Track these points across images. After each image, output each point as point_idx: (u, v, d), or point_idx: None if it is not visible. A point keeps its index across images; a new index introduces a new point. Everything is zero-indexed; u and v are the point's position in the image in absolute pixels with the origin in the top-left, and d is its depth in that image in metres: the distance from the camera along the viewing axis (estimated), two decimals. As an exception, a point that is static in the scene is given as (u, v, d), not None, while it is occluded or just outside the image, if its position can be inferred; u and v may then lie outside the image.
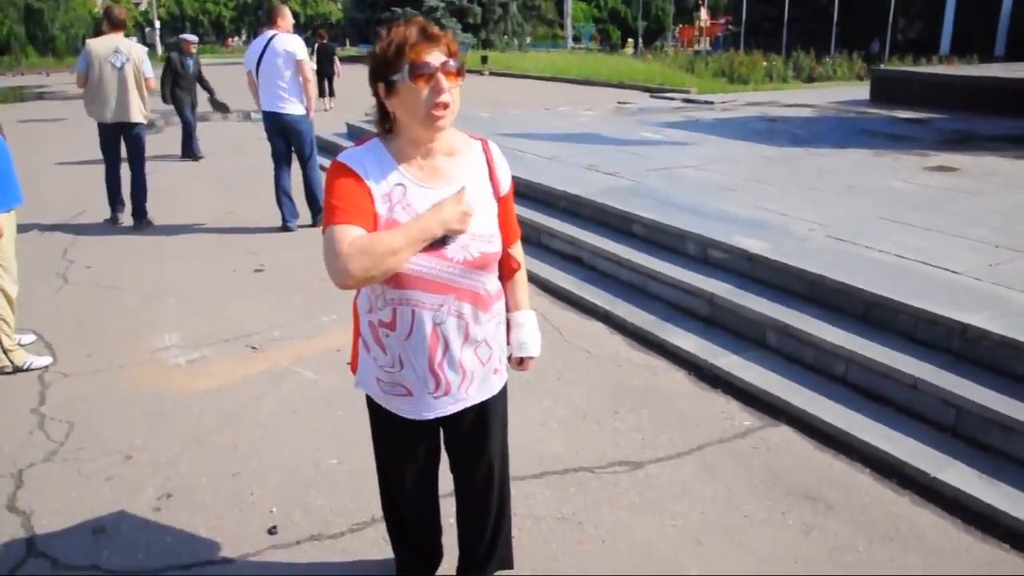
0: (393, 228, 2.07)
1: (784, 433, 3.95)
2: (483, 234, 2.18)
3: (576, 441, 3.88)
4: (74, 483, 3.64)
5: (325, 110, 18.98)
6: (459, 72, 2.07)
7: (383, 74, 2.06)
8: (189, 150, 12.50)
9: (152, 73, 8.25)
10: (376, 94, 2.12)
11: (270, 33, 7.72)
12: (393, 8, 41.77)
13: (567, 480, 3.55)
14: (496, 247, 2.23)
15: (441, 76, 2.03)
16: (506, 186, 2.31)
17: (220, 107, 13.37)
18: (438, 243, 2.11)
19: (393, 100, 2.08)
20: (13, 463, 3.81)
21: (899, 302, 4.30)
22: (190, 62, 12.61)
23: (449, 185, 2.16)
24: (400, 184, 2.12)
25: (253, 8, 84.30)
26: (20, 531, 3.29)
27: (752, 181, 7.52)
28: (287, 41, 7.63)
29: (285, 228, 8.08)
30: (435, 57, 2.03)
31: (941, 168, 8.38)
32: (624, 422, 4.06)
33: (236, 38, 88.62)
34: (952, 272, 4.72)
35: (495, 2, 46.32)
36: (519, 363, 2.52)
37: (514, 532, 2.91)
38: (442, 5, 42.02)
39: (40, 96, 27.46)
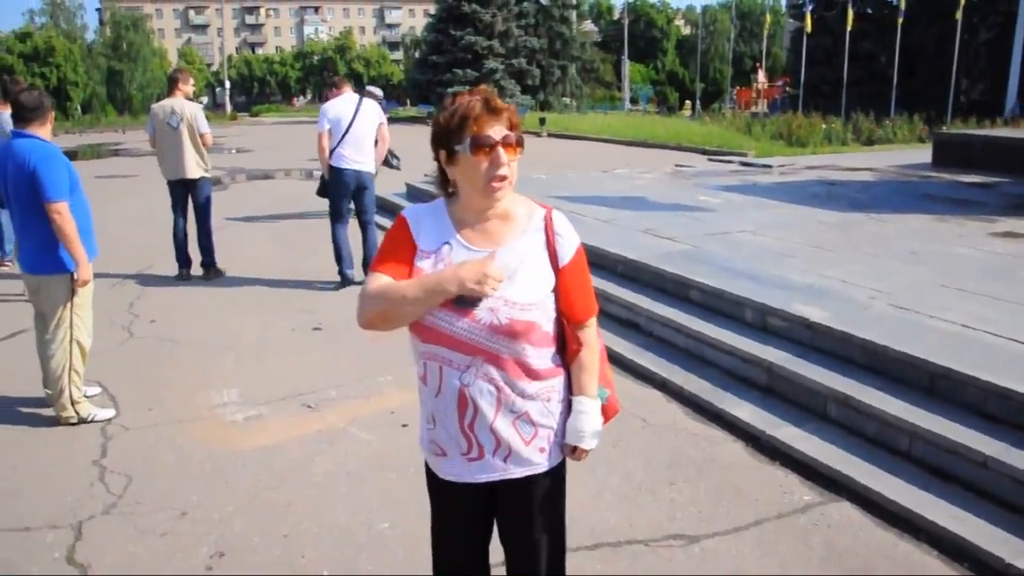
0: (402, 284, 2.16)
1: (845, 509, 3.83)
2: (518, 302, 2.15)
3: (631, 512, 3.81)
4: (130, 537, 3.69)
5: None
6: (518, 144, 2.12)
7: (445, 143, 2.12)
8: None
9: (207, 129, 8.58)
10: (437, 159, 2.18)
11: (355, 96, 8.19)
12: (454, 70, 42.74)
13: (621, 553, 3.49)
14: (531, 317, 2.17)
15: (501, 150, 2.08)
16: (567, 257, 2.26)
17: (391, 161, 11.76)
18: (467, 303, 2.12)
19: (453, 168, 2.15)
20: (74, 514, 3.89)
21: (966, 374, 4.17)
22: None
23: (495, 249, 2.18)
24: (448, 243, 2.19)
25: (318, 70, 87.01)
26: (77, 585, 3.34)
27: (811, 247, 7.44)
28: (374, 106, 8.19)
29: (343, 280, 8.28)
30: (496, 131, 2.09)
31: (1008, 234, 8.19)
32: (680, 494, 3.99)
33: (301, 98, 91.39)
34: (1022, 344, 4.58)
35: (554, 64, 47.12)
36: (571, 451, 2.39)
37: (566, 606, 2.84)
38: (502, 67, 42.82)
39: (115, 153, 28.50)
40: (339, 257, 8.26)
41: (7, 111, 7.58)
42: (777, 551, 3.49)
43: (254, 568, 3.42)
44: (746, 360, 5.19)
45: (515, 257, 2.19)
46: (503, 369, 2.19)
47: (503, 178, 2.11)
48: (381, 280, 2.18)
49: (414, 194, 12.77)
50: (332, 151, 8.01)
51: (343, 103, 8.11)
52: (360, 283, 8.00)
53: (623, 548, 3.53)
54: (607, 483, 4.08)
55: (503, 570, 2.67)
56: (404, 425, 4.69)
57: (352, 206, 8.37)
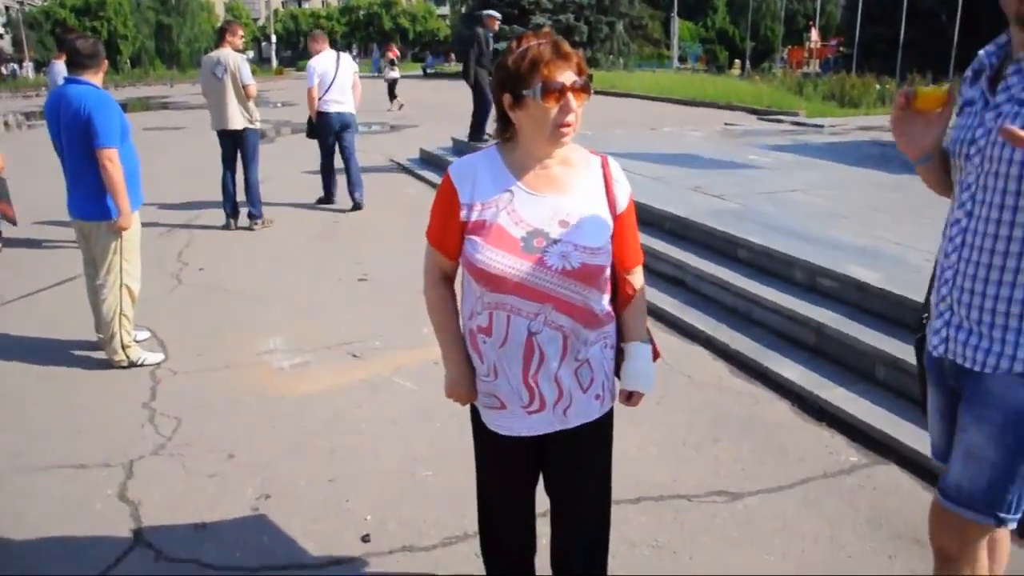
0: (444, 338, 2.36)
1: (892, 472, 3.77)
2: (587, 246, 2.14)
3: (674, 468, 3.80)
4: (179, 477, 3.77)
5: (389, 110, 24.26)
6: (586, 90, 2.08)
7: (512, 87, 2.08)
8: (479, 134, 12.10)
9: (251, 80, 8.64)
10: (499, 103, 2.14)
11: (333, 52, 9.82)
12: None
13: (663, 507, 3.48)
14: (600, 261, 2.17)
15: (571, 96, 2.04)
16: (623, 204, 2.27)
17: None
18: (537, 249, 2.11)
19: (519, 113, 2.10)
20: (125, 454, 3.98)
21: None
22: (490, 36, 12.18)
23: (561, 194, 2.17)
24: (509, 191, 2.16)
25: (364, 24, 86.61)
26: (129, 520, 3.43)
27: (863, 208, 7.28)
28: (349, 59, 10.00)
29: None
30: (566, 76, 2.04)
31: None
32: (724, 451, 3.96)
33: (346, 52, 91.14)
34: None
35: (601, 21, 46.34)
36: (627, 397, 2.43)
37: (608, 559, 2.84)
38: (548, 23, 42.23)
39: (164, 106, 28.82)
40: (327, 183, 10.19)
41: (61, 61, 7.66)
42: (823, 511, 3.45)
43: (300, 511, 3.47)
44: (794, 320, 5.11)
45: (580, 202, 2.18)
46: (570, 315, 2.19)
47: (571, 124, 2.07)
48: (440, 267, 2.34)
49: (459, 147, 12.73)
50: (320, 99, 9.54)
51: (325, 59, 9.62)
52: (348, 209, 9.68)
53: (666, 502, 3.51)
54: (651, 437, 4.06)
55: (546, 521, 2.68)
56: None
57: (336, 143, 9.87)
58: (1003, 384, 2.00)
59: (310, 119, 9.93)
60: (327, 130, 9.79)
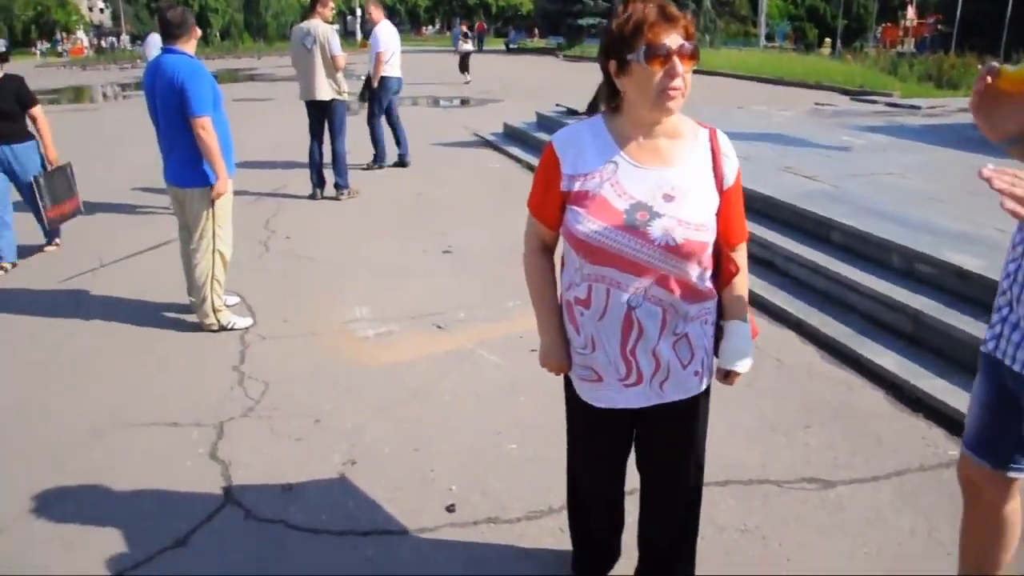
0: (541, 307, 2.36)
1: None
2: (691, 222, 2.08)
3: (763, 452, 3.71)
4: (267, 440, 3.85)
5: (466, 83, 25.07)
6: (694, 55, 2.00)
7: (617, 52, 2.02)
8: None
9: (340, 51, 8.71)
10: (606, 70, 2.09)
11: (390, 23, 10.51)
12: (584, 1, 41.83)
13: (752, 491, 3.40)
14: (704, 238, 2.11)
15: (677, 59, 1.97)
16: (731, 179, 2.19)
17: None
18: (640, 222, 2.06)
19: (624, 79, 2.04)
20: (216, 415, 4.08)
21: None
22: None
23: (667, 167, 2.11)
24: (613, 162, 2.11)
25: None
26: (220, 479, 3.52)
27: (963, 192, 6.96)
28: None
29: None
30: (672, 39, 1.97)
31: None
32: (815, 438, 3.84)
33: (429, 27, 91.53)
34: None
35: (688, -4, 45.50)
36: (724, 376, 2.38)
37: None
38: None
39: (251, 78, 29.44)
40: (378, 142, 10.73)
41: (155, 34, 7.85)
42: (919, 504, 3.32)
43: (385, 478, 3.50)
44: (890, 306, 4.93)
45: (686, 176, 2.12)
46: (670, 290, 2.14)
47: (677, 89, 1.99)
48: (541, 236, 2.33)
49: (543, 123, 12.66)
50: (386, 63, 10.25)
51: (388, 27, 10.39)
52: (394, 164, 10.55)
53: (755, 487, 3.43)
54: (740, 421, 3.97)
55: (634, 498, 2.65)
56: (533, 350, 4.66)
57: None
58: None
59: (368, 82, 10.43)
60: (388, 93, 10.51)
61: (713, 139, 2.20)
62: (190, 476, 3.53)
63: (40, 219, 6.73)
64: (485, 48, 52.69)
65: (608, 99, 2.16)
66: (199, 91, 4.77)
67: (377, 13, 10.46)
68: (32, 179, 6.51)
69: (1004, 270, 2.02)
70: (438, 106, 19.60)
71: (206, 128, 4.78)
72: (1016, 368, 1.96)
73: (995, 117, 1.92)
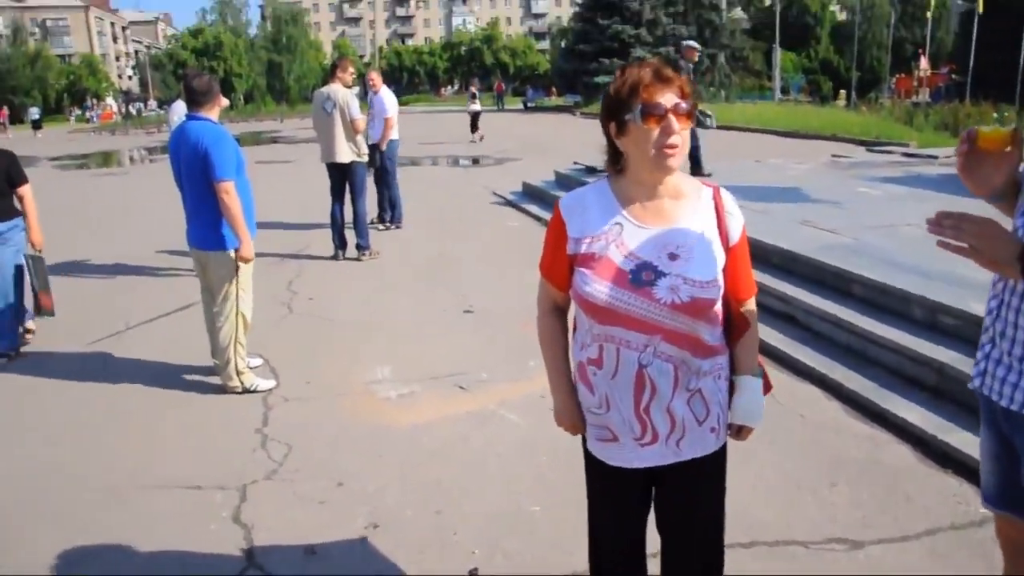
0: (553, 368, 2.39)
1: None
2: (697, 280, 2.10)
3: (788, 512, 3.65)
4: (290, 503, 3.84)
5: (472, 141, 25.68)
6: (689, 114, 2.06)
7: (616, 113, 2.09)
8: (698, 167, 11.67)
9: (359, 115, 8.87)
10: (607, 133, 2.15)
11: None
12: (601, 59, 42.47)
13: (778, 553, 3.34)
14: (710, 295, 2.13)
15: (672, 117, 2.03)
16: (736, 236, 2.22)
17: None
18: (645, 282, 2.08)
19: (624, 139, 2.10)
20: (239, 478, 4.08)
21: None
22: (691, 68, 12.15)
23: (671, 226, 2.15)
24: (618, 224, 2.15)
25: (467, 59, 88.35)
26: (242, 542, 3.51)
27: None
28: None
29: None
30: (667, 99, 2.03)
31: None
32: (841, 496, 3.79)
33: (448, 87, 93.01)
34: None
35: (703, 53, 45.95)
36: (737, 432, 2.38)
37: (721, 603, 2.75)
38: (649, 56, 42.24)
39: (274, 140, 29.95)
40: (396, 202, 11.03)
41: (180, 101, 8.04)
42: (951, 564, 3.25)
43: (407, 542, 3.48)
44: (914, 359, 4.88)
45: (690, 235, 2.15)
46: (680, 347, 2.15)
47: (674, 146, 2.04)
48: (552, 299, 2.37)
49: (562, 181, 12.77)
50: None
51: (392, 95, 10.79)
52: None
53: (780, 548, 3.38)
54: (763, 479, 3.92)
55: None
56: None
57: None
58: None
59: (375, 147, 10.39)
60: (395, 155, 10.84)
61: (716, 197, 2.23)
62: (213, 540, 3.53)
63: (22, 301, 6.23)
64: (506, 107, 53.50)
65: (612, 161, 2.21)
66: (223, 156, 4.87)
67: (379, 79, 10.83)
68: (23, 257, 6.12)
69: (987, 307, 2.04)
70: (457, 165, 19.84)
71: (229, 193, 4.87)
72: (1003, 403, 1.98)
73: (979, 175, 2.05)
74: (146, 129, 43.55)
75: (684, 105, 2.04)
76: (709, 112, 11.42)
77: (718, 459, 2.37)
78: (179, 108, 9.33)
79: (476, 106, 26.76)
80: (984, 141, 2.00)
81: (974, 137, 1.99)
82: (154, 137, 33.91)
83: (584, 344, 2.26)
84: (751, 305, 2.35)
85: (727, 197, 2.26)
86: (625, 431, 2.24)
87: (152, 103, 64.43)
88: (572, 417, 2.38)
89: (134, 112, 63.47)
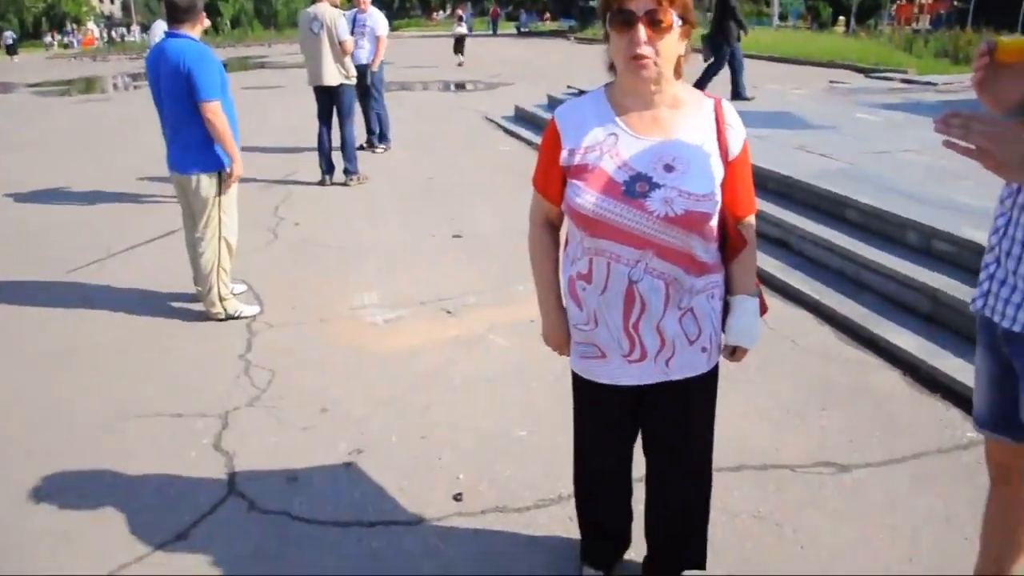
0: (542, 284, 2.34)
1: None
2: (692, 192, 2.02)
3: (777, 436, 3.62)
4: (273, 429, 3.80)
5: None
6: (670, 24, 1.93)
7: (602, 19, 2.00)
8: (737, 91, 11.71)
9: (348, 35, 8.61)
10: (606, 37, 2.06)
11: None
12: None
13: (766, 477, 3.32)
14: (706, 209, 2.04)
15: (641, 26, 1.91)
16: (736, 149, 2.12)
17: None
18: (638, 193, 2.01)
19: (609, 47, 2.02)
20: (221, 404, 4.03)
21: None
22: None
23: (668, 137, 2.06)
24: (613, 134, 2.07)
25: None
26: (223, 469, 3.47)
27: (982, 168, 6.82)
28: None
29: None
30: (641, 5, 1.90)
31: None
32: (830, 420, 3.76)
33: (440, 12, 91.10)
34: None
35: (701, -23, 45.04)
36: (731, 352, 2.33)
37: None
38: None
39: (262, 66, 29.41)
40: (384, 122, 10.88)
41: (161, 21, 7.78)
42: (937, 488, 3.23)
43: (391, 467, 3.44)
44: (907, 285, 4.82)
45: (687, 146, 2.06)
46: (673, 262, 2.08)
47: (641, 57, 1.93)
48: (545, 212, 2.29)
49: (554, 105, 12.54)
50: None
51: (382, 14, 10.39)
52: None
53: (768, 472, 3.35)
54: (753, 404, 3.89)
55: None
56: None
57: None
58: None
59: (367, 69, 10.15)
60: (383, 75, 10.68)
61: (718, 109, 2.13)
62: (194, 468, 3.48)
63: None
64: (500, 32, 52.47)
65: (610, 68, 2.10)
66: (206, 76, 4.69)
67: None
68: None
69: (993, 226, 1.95)
70: (449, 90, 19.49)
71: (216, 113, 4.71)
72: (1005, 324, 1.91)
73: (999, 90, 1.90)
74: (129, 55, 42.65)
75: (657, 12, 1.90)
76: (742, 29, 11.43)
77: (709, 380, 2.34)
78: (159, 28, 9.06)
79: (462, 29, 26.63)
80: (1004, 53, 1.85)
81: (993, 48, 1.85)
82: (137, 63, 33.14)
83: (574, 258, 2.20)
84: (750, 223, 2.26)
85: (728, 109, 2.16)
86: (613, 347, 2.20)
87: (136, 28, 62.86)
88: (559, 336, 2.35)
89: (117, 38, 62.01)
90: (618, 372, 2.23)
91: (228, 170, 4.88)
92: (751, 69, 19.26)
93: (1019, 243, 1.85)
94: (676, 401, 2.30)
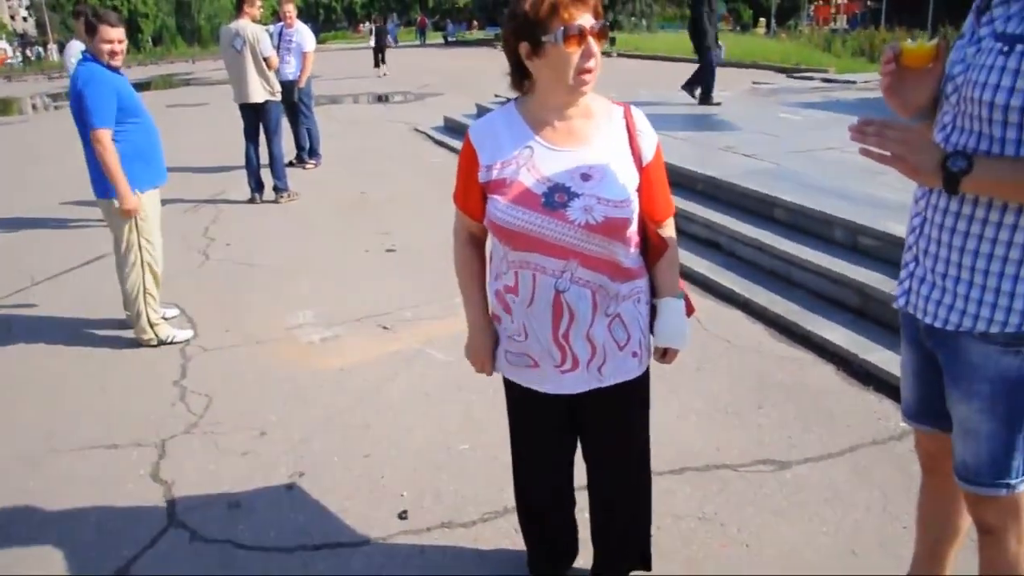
0: (469, 299, 2.37)
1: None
2: (611, 199, 2.05)
3: (717, 436, 3.68)
4: (212, 456, 3.72)
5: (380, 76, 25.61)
6: (604, 34, 1.99)
7: (530, 34, 1.97)
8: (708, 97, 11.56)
9: (272, 51, 8.52)
10: (515, 54, 2.05)
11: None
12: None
13: (708, 478, 3.36)
14: (625, 214, 2.08)
15: (592, 40, 1.95)
16: (649, 155, 2.17)
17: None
18: (557, 204, 2.03)
19: (538, 62, 2.00)
20: (157, 433, 3.94)
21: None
22: None
23: (582, 147, 2.09)
24: (529, 147, 2.09)
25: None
26: (162, 500, 3.38)
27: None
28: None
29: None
30: (586, 19, 1.95)
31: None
32: (768, 418, 3.83)
33: (368, 24, 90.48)
34: None
35: (623, -18, 45.61)
36: (662, 355, 2.37)
37: (652, 530, 2.75)
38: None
39: (186, 83, 28.85)
40: (314, 137, 10.72)
41: (76, 41, 7.57)
42: (873, 478, 3.32)
43: (334, 489, 3.40)
44: (835, 281, 4.95)
45: (602, 155, 2.10)
46: (597, 270, 2.11)
47: (591, 70, 1.98)
48: (467, 229, 2.31)
49: (482, 114, 12.55)
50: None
51: (308, 29, 10.26)
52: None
53: (710, 472, 3.40)
54: (691, 405, 3.94)
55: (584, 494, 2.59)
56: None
57: None
58: (983, 354, 1.87)
59: (295, 86, 10.07)
60: (312, 91, 10.62)
61: (628, 116, 2.18)
62: (131, 499, 3.39)
63: None
64: (427, 43, 52.36)
65: (518, 84, 2.12)
66: (93, 101, 4.52)
67: (293, 12, 10.09)
68: None
69: (909, 225, 2.02)
70: (378, 102, 19.37)
71: (100, 141, 4.53)
72: (927, 321, 1.97)
73: (906, 94, 1.98)
74: (47, 74, 41.44)
75: (597, 25, 1.97)
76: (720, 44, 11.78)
77: (641, 384, 2.37)
78: (76, 47, 8.83)
79: (374, 41, 27.02)
80: (908, 58, 1.92)
81: (899, 52, 1.92)
82: (57, 83, 32.24)
83: (499, 272, 2.21)
84: (669, 226, 2.31)
85: (638, 116, 2.20)
86: (545, 358, 2.21)
87: (52, 47, 61.10)
88: (483, 354, 2.36)
89: (32, 56, 60.19)
90: (552, 382, 2.25)
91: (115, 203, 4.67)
92: (676, 72, 19.55)
93: (935, 242, 1.90)
94: (611, 406, 2.33)
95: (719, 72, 11.74)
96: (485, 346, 2.34)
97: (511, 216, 2.06)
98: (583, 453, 2.51)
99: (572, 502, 2.68)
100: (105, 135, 4.55)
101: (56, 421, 4.10)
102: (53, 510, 3.33)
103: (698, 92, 11.53)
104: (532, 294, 2.13)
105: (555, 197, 2.04)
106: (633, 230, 2.14)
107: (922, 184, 1.93)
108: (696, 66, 11.81)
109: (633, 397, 2.36)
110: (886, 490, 3.24)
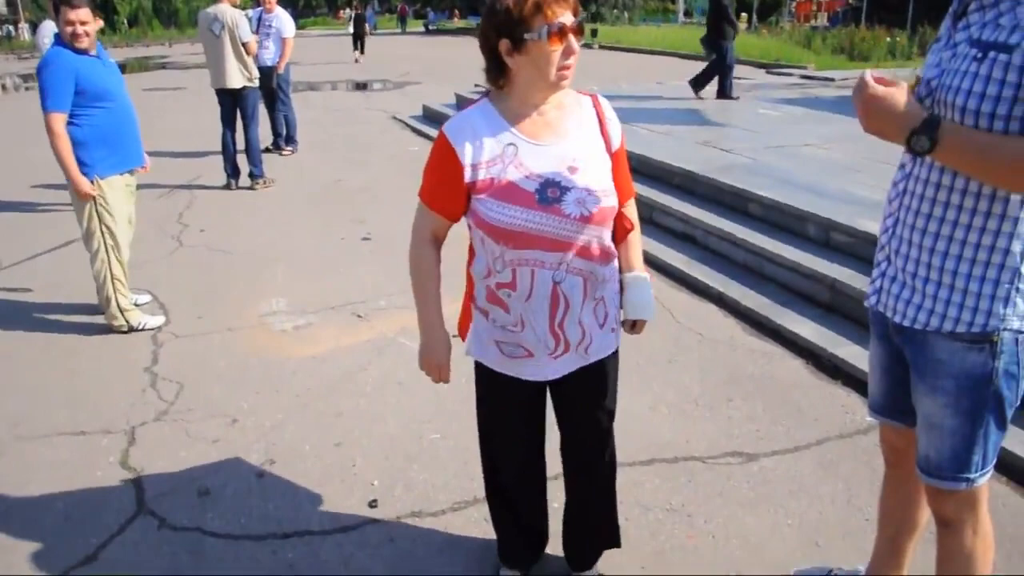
0: (427, 301, 2.31)
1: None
2: (598, 189, 2.12)
3: (687, 428, 3.71)
4: (182, 443, 3.70)
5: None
6: (583, 30, 2.04)
7: (511, 31, 1.99)
8: (724, 90, 11.83)
9: (250, 36, 8.47)
10: (493, 50, 2.05)
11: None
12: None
13: (677, 469, 3.39)
14: (612, 202, 2.16)
15: (572, 37, 2.00)
16: (617, 142, 2.24)
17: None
18: (551, 199, 2.07)
19: (519, 58, 2.02)
20: (127, 420, 3.91)
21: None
22: None
23: (563, 140, 2.12)
24: (512, 144, 2.10)
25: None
26: (131, 488, 3.36)
27: (878, 161, 7.10)
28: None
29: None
30: (567, 17, 1.98)
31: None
32: (738, 411, 3.87)
33: (347, 10, 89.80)
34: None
35: (606, -25, 45.56)
36: (631, 326, 2.43)
37: (621, 520, 2.78)
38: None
39: (163, 66, 28.49)
40: (291, 123, 10.67)
41: (49, 22, 7.46)
42: (839, 472, 3.37)
43: (305, 477, 3.40)
44: (808, 276, 4.99)
45: (583, 146, 2.15)
46: (589, 259, 2.18)
47: (571, 66, 2.03)
48: (433, 226, 2.26)
49: (462, 103, 12.53)
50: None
51: (288, 15, 10.20)
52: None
53: (679, 464, 3.43)
54: (663, 397, 3.97)
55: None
56: (454, 336, 4.59)
57: None
58: (949, 351, 1.92)
59: (274, 71, 10.04)
60: (290, 77, 10.60)
61: (596, 105, 2.24)
62: (100, 487, 3.36)
63: None
64: (408, 31, 52.10)
65: (496, 79, 2.12)
66: (47, 83, 4.45)
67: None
68: None
69: (882, 225, 2.05)
70: (357, 90, 19.28)
71: (49, 127, 4.47)
72: (896, 320, 2.01)
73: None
74: (18, 54, 40.81)
75: (576, 22, 2.01)
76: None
77: (616, 355, 2.46)
78: (49, 27, 8.73)
79: (352, 28, 27.25)
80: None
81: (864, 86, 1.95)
82: (28, 63, 31.73)
83: (492, 271, 2.21)
84: (632, 206, 2.41)
85: (605, 104, 2.27)
86: (539, 348, 2.26)
87: (24, 26, 60.08)
88: (439, 358, 2.35)
89: (3, 34, 59.20)
90: (544, 369, 2.31)
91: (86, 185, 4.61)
92: (657, 66, 19.58)
93: (907, 242, 1.94)
94: (590, 379, 2.40)
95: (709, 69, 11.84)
96: (442, 348, 2.34)
97: (508, 216, 2.07)
98: (558, 420, 2.56)
99: (543, 484, 2.70)
100: (55, 119, 4.47)
101: (24, 407, 4.06)
102: (19, 496, 3.30)
103: (702, 91, 11.63)
104: (531, 289, 2.17)
105: (548, 193, 2.07)
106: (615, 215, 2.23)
107: (894, 185, 1.98)
108: (703, 65, 11.95)
109: (609, 368, 2.44)
110: (851, 483, 3.28)
